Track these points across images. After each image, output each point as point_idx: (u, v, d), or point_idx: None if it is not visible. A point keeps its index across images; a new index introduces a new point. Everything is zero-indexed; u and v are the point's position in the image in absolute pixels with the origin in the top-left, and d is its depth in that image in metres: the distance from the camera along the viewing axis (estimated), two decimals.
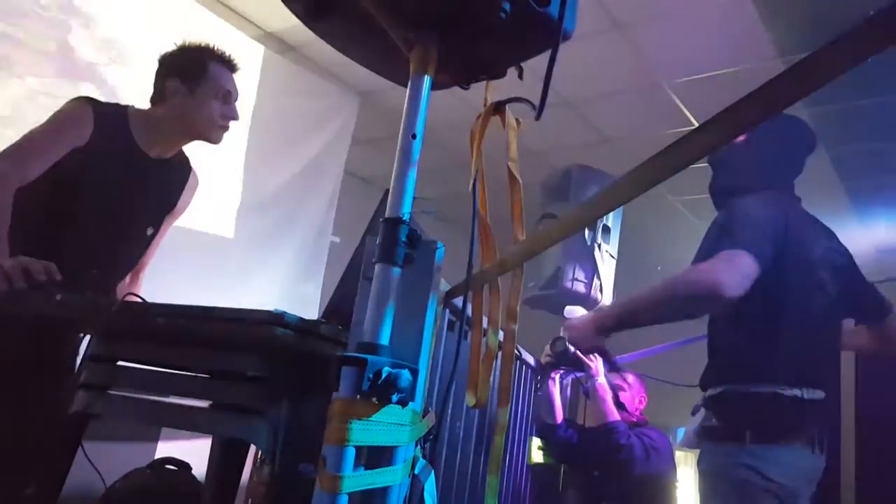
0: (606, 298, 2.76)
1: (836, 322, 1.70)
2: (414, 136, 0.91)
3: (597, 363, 2.51)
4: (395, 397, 0.75)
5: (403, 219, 0.85)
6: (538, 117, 0.92)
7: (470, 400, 1.07)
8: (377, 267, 0.84)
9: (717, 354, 1.68)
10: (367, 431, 0.74)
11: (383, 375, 0.74)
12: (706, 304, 1.49)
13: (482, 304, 1.13)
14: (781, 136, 1.72)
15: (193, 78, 1.69)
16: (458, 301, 1.23)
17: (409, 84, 0.94)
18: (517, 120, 1.15)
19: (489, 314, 1.14)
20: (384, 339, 0.80)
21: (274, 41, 3.78)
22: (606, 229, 2.81)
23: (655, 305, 1.52)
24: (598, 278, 2.73)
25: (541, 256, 2.25)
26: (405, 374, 0.76)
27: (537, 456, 2.64)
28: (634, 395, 2.73)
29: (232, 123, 1.77)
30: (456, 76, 1.05)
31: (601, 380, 2.51)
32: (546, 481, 2.69)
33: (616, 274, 2.86)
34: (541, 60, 1.00)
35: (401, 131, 0.92)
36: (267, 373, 1.04)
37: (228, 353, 1.09)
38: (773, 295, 1.53)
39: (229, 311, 1.02)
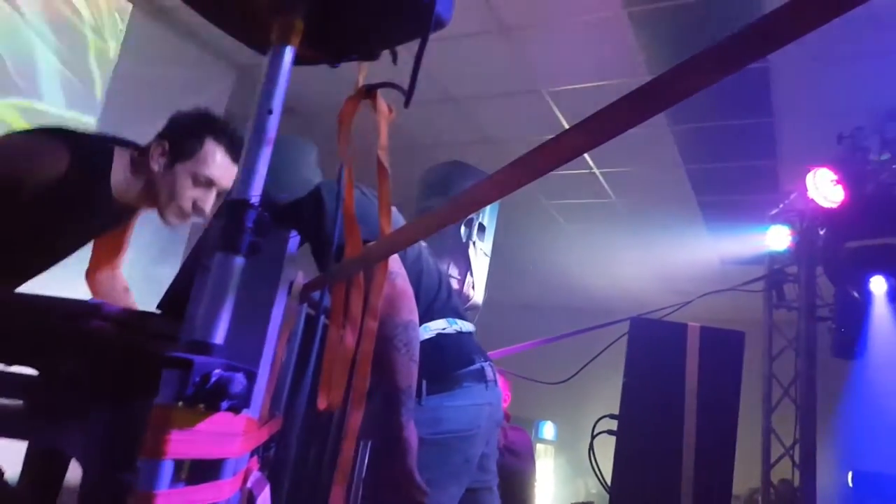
0: (478, 296, 2.78)
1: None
2: (270, 112, 0.82)
3: None
4: (225, 404, 0.66)
5: (251, 202, 0.76)
6: (407, 104, 0.87)
7: (321, 402, 1.00)
8: (217, 255, 0.74)
9: None
10: (190, 443, 0.65)
11: (212, 379, 0.65)
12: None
13: (343, 299, 1.05)
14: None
15: (181, 149, 1.50)
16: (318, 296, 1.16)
17: (270, 54, 0.85)
18: (389, 107, 1.08)
19: (349, 311, 1.07)
20: (218, 338, 0.70)
21: (143, 2, 3.44)
22: (482, 227, 2.83)
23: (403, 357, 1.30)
24: (472, 275, 2.74)
25: None
26: (239, 378, 0.67)
27: None
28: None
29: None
30: (325, 52, 0.97)
31: None
32: None
33: (489, 272, 2.89)
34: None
35: (255, 105, 0.82)
36: (84, 371, 0.90)
37: (38, 347, 0.94)
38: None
39: (38, 299, 0.87)
